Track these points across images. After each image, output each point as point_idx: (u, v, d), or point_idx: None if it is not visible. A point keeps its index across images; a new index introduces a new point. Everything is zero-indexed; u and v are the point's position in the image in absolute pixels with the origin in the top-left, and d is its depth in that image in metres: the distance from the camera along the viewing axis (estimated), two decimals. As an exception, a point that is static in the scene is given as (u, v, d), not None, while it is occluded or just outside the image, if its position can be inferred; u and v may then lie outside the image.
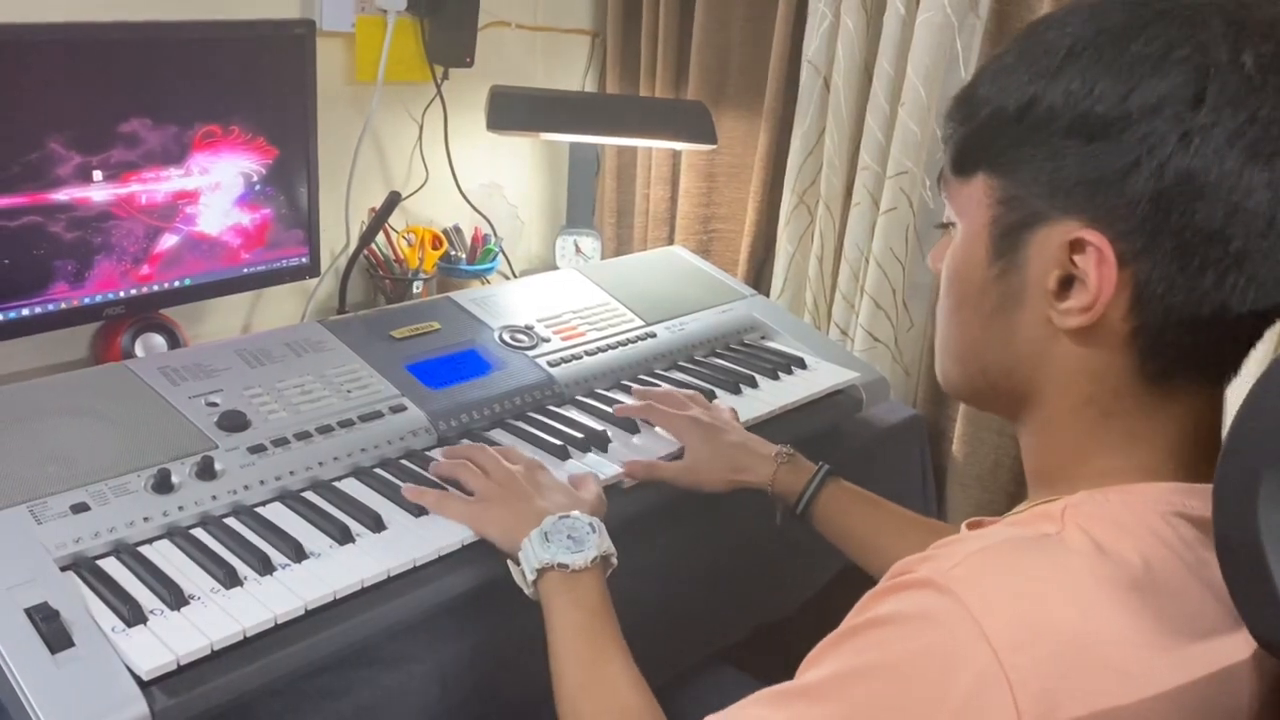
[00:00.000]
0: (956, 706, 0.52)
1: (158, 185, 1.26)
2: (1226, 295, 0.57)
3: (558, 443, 1.06)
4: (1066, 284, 0.60)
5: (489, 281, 1.64)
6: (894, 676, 0.55)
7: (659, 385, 1.22)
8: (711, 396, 1.20)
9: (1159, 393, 0.61)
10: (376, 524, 0.90)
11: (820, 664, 0.59)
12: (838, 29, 1.45)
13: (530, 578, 0.84)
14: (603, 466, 1.04)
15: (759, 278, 1.69)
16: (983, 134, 0.63)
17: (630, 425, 1.11)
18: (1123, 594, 0.55)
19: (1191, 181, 0.56)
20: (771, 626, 1.25)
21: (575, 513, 0.88)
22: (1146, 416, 0.62)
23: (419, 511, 0.93)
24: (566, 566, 0.83)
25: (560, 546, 0.84)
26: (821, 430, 1.27)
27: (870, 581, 0.62)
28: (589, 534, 0.86)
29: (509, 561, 0.88)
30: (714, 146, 1.55)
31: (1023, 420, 0.68)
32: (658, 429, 1.11)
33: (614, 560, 0.87)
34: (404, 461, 1.02)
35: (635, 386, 1.21)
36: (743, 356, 1.34)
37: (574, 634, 0.81)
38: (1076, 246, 0.59)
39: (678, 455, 1.08)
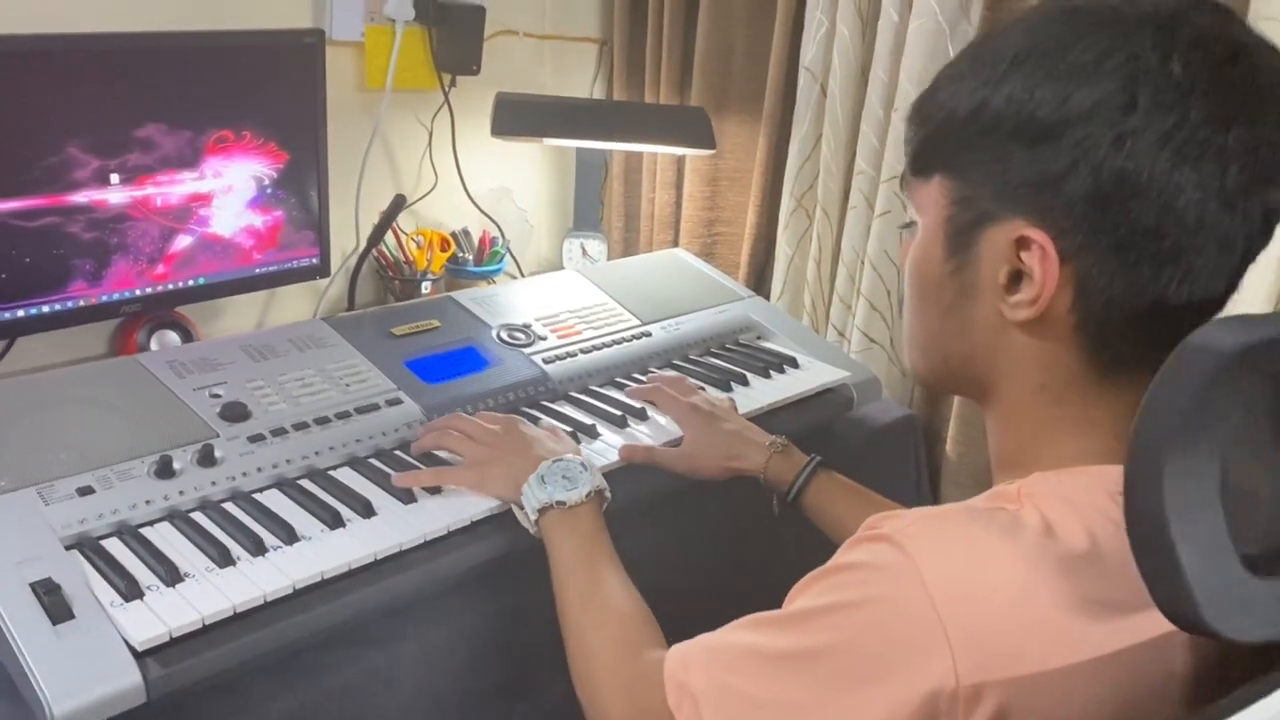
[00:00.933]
0: (899, 648, 0.58)
1: (172, 188, 1.32)
2: (1164, 289, 0.61)
3: (546, 435, 1.10)
4: (1016, 279, 0.64)
5: (495, 283, 1.68)
6: (845, 616, 0.61)
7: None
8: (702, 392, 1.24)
9: (1107, 381, 0.65)
10: (366, 510, 0.94)
11: (797, 599, 0.65)
12: (834, 36, 1.48)
13: (533, 518, 0.91)
14: (592, 458, 1.07)
15: (760, 280, 1.72)
16: (937, 137, 0.67)
17: (618, 419, 1.15)
18: (1063, 566, 0.59)
19: (1125, 182, 0.59)
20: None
21: (567, 455, 0.94)
22: (1096, 403, 0.66)
23: (408, 499, 0.97)
24: (564, 503, 0.90)
25: (556, 486, 0.91)
26: (812, 428, 1.29)
27: None
28: (581, 472, 0.92)
29: (513, 507, 0.94)
30: (713, 152, 1.59)
31: (986, 407, 0.72)
32: (654, 416, 1.16)
33: (608, 494, 0.93)
34: (397, 452, 1.06)
35: (649, 375, 1.25)
36: (736, 355, 1.37)
37: (571, 558, 0.88)
38: (1022, 244, 0.63)
39: (676, 443, 1.11)
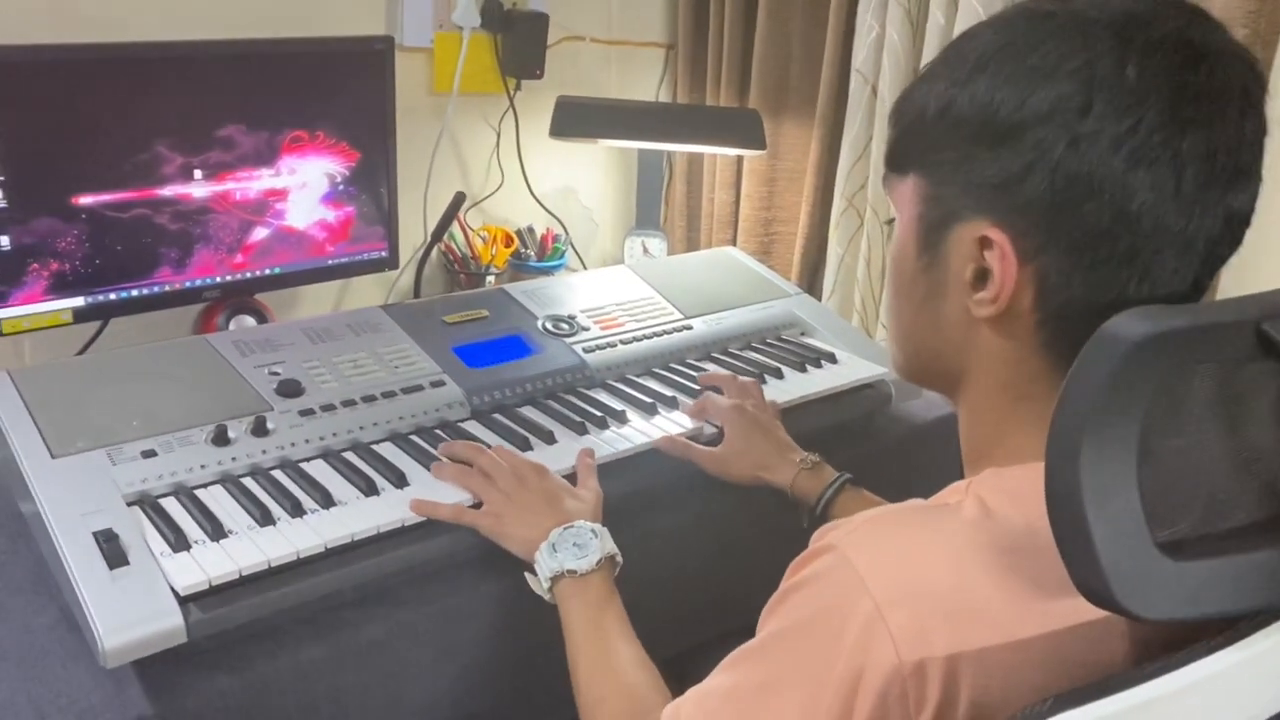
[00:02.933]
0: (848, 652, 0.60)
1: (251, 184, 1.42)
2: (1122, 288, 0.62)
3: (577, 419, 1.16)
4: (981, 277, 0.66)
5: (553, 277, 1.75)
6: (803, 634, 0.63)
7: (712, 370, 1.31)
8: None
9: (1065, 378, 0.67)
10: (400, 480, 1.02)
11: (760, 629, 0.67)
12: (883, 40, 1.51)
13: (546, 586, 0.93)
14: (617, 440, 1.13)
15: (813, 279, 1.75)
16: (910, 135, 0.69)
17: (648, 406, 1.20)
18: (1001, 555, 0.61)
19: (1080, 184, 0.61)
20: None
21: (578, 522, 0.96)
22: (1054, 399, 0.68)
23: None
24: (575, 572, 0.92)
25: (567, 554, 0.93)
26: (847, 422, 1.32)
27: None
28: (591, 539, 0.94)
29: (525, 573, 0.96)
30: (764, 152, 1.63)
31: (958, 402, 0.74)
32: (681, 413, 1.20)
33: (619, 559, 0.95)
34: (437, 430, 1.13)
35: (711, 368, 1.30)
36: (774, 350, 1.41)
37: (584, 628, 0.90)
38: (985, 243, 0.64)
39: (715, 440, 1.15)
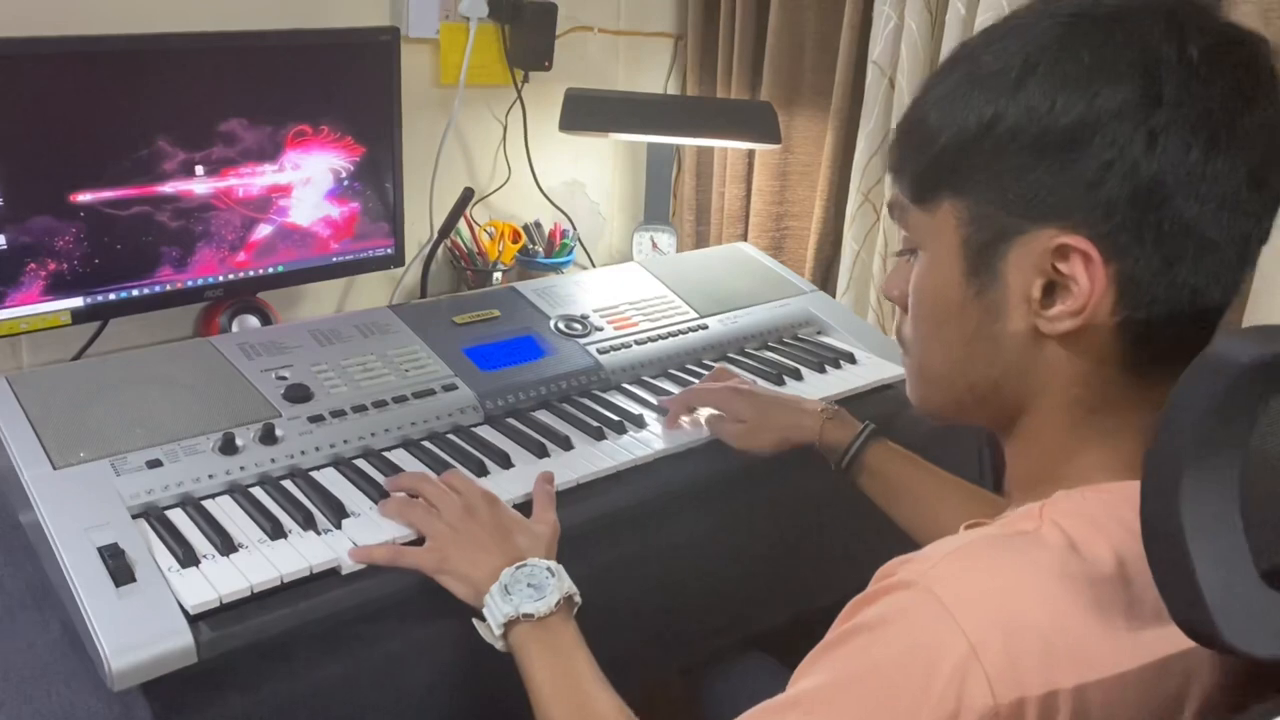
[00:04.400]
0: (939, 696, 0.56)
1: (254, 180, 1.38)
2: (1203, 281, 0.60)
3: (594, 424, 1.12)
4: (1049, 291, 0.62)
5: (564, 274, 1.71)
6: (880, 680, 0.58)
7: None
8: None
9: (1141, 385, 0.64)
10: (413, 490, 0.98)
11: (810, 673, 0.61)
12: (901, 30, 1.47)
13: (498, 631, 0.85)
14: (636, 446, 1.10)
15: (826, 275, 1.72)
16: (943, 159, 0.65)
17: (667, 411, 1.17)
18: (1091, 587, 0.58)
19: (1162, 178, 0.58)
20: (808, 615, 1.29)
21: (531, 560, 0.88)
22: (1129, 410, 0.65)
23: (453, 481, 1.00)
24: (532, 616, 0.84)
25: (522, 596, 0.85)
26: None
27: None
28: (548, 579, 0.86)
29: (474, 620, 0.88)
30: (779, 146, 1.59)
31: (1009, 429, 0.69)
32: (699, 414, 1.16)
33: (577, 599, 0.88)
34: (450, 436, 1.10)
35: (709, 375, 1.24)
36: (792, 350, 1.38)
37: (555, 681, 0.83)
38: (1060, 254, 0.61)
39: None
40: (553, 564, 0.89)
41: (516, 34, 1.63)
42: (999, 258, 0.63)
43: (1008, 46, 0.62)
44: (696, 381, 1.25)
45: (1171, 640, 0.58)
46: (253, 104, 1.35)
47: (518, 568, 0.87)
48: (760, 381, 1.26)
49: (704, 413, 1.16)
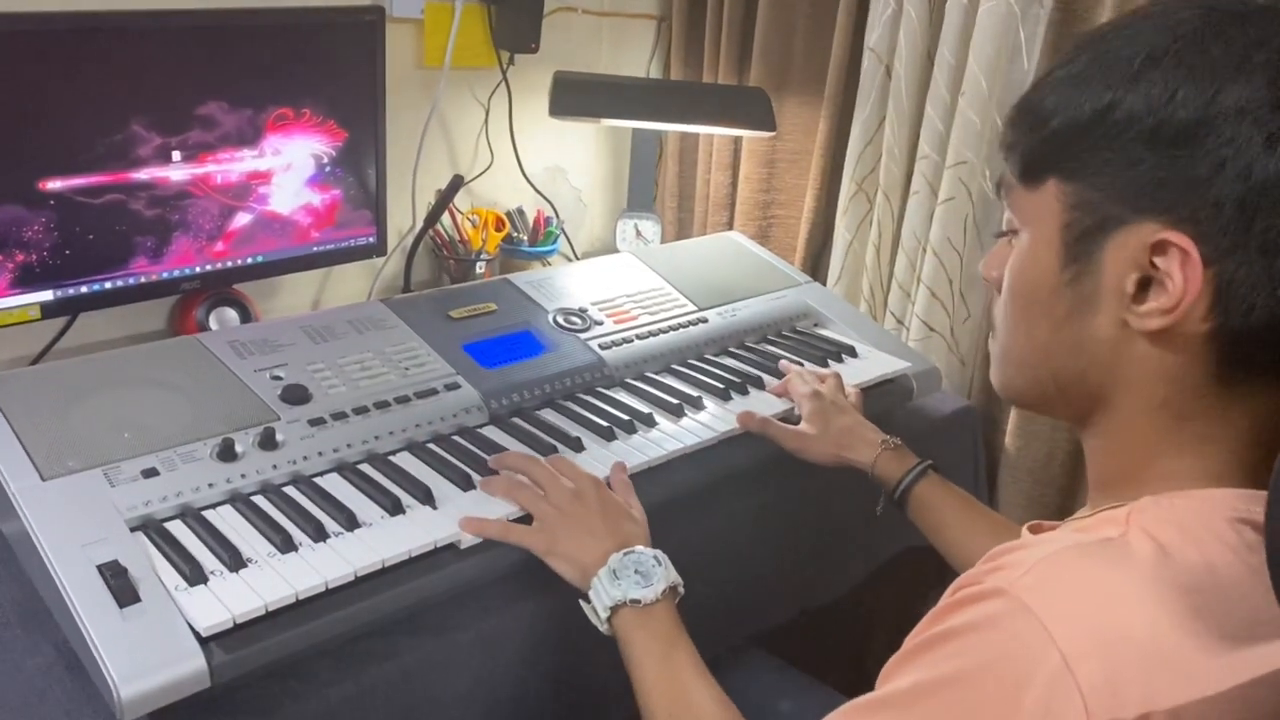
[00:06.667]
0: (1029, 711, 0.54)
1: (232, 166, 1.32)
2: None
3: (604, 424, 1.09)
4: (1144, 286, 0.61)
5: (550, 263, 1.67)
6: (969, 686, 0.56)
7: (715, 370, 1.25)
8: (759, 382, 1.22)
9: (1230, 395, 0.62)
10: (427, 497, 0.94)
11: (899, 675, 0.60)
12: (900, 17, 1.45)
13: (604, 615, 0.87)
14: (648, 447, 1.06)
15: (816, 265, 1.69)
16: (1054, 141, 0.64)
17: (675, 408, 1.14)
18: (1186, 598, 0.56)
19: (1275, 184, 0.56)
20: (811, 614, 1.27)
21: (638, 547, 0.90)
22: (1217, 418, 0.63)
23: (468, 486, 0.96)
24: (639, 602, 0.86)
25: (630, 582, 0.86)
26: (871, 418, 1.27)
27: (920, 575, 0.64)
28: (655, 567, 0.88)
29: (580, 600, 0.89)
30: (773, 134, 1.56)
31: (1090, 425, 0.68)
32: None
33: (680, 589, 0.89)
34: (456, 438, 1.06)
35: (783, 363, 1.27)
36: (794, 343, 1.35)
37: (657, 667, 0.84)
38: (1159, 249, 0.59)
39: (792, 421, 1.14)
40: (659, 553, 0.89)
41: (503, 15, 1.58)
42: (1098, 246, 0.62)
43: (1138, 33, 0.60)
44: (700, 377, 1.22)
45: (1268, 658, 0.56)
46: (232, 86, 1.28)
47: (625, 554, 0.88)
48: (769, 380, 1.23)
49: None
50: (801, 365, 1.26)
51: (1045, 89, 0.64)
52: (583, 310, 1.29)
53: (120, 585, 0.78)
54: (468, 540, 0.90)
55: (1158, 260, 0.59)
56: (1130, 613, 0.55)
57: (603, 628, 0.87)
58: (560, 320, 1.26)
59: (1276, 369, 0.61)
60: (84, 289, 1.24)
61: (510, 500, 0.94)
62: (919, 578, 1.35)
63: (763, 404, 1.18)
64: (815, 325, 1.42)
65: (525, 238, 1.67)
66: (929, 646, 0.59)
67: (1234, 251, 0.58)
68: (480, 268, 1.60)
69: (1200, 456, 0.63)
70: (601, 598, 0.87)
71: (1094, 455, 0.69)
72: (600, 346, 1.23)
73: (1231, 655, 0.56)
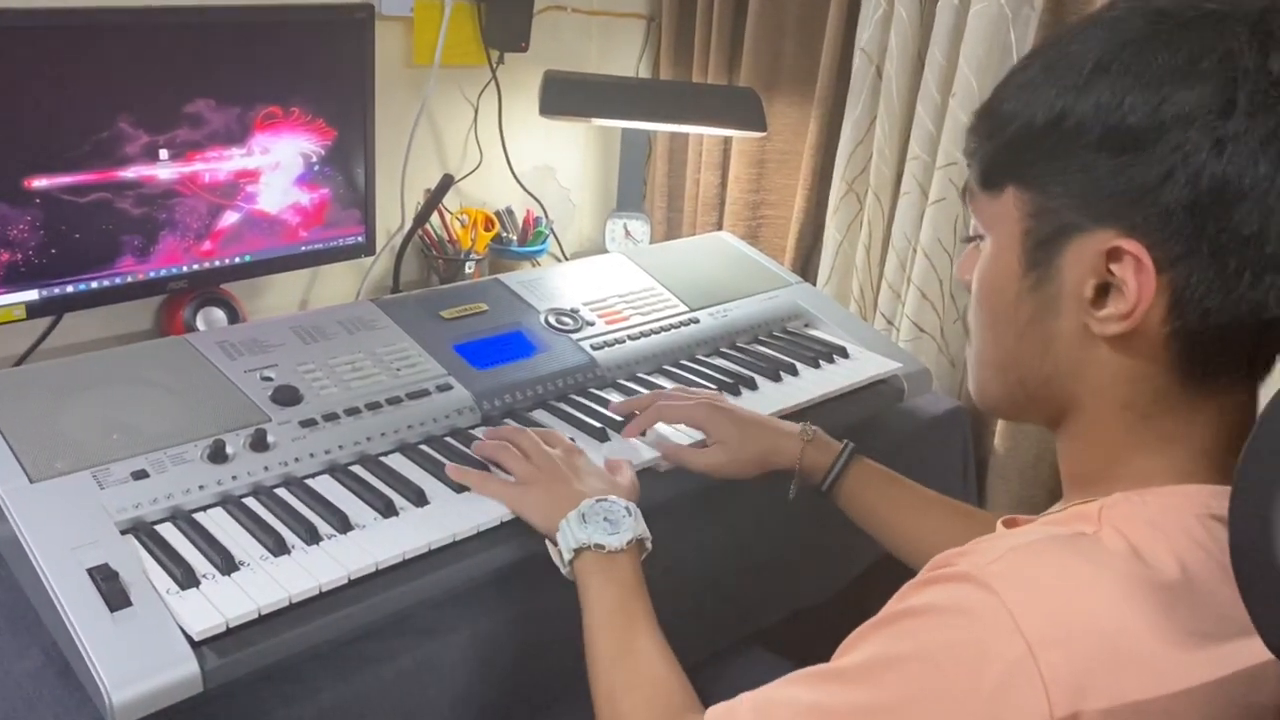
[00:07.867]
0: (988, 697, 0.55)
1: (220, 164, 1.31)
2: (1263, 296, 0.58)
3: (597, 425, 1.08)
4: (1103, 292, 0.61)
5: (539, 263, 1.66)
6: (926, 666, 0.57)
7: (663, 389, 1.17)
8: (752, 383, 1.22)
9: (1195, 394, 0.63)
10: (419, 498, 0.93)
11: (856, 649, 0.61)
12: (891, 17, 1.45)
13: (567, 557, 0.87)
14: (640, 450, 1.06)
15: (806, 265, 1.69)
16: (1011, 148, 0.64)
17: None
18: (1156, 594, 0.56)
19: (1226, 188, 0.57)
20: (808, 611, 1.27)
21: (612, 496, 0.90)
22: (1183, 418, 0.64)
23: (460, 488, 0.96)
24: (603, 547, 0.85)
25: (597, 528, 0.86)
26: (862, 420, 1.28)
27: (916, 571, 0.64)
28: (624, 517, 0.88)
29: (547, 542, 0.90)
30: (764, 134, 1.56)
31: (1062, 427, 0.69)
32: (664, 431, 1.08)
33: (649, 544, 0.89)
34: (448, 439, 1.05)
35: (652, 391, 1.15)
36: (785, 344, 1.35)
37: (608, 611, 0.83)
38: (1113, 255, 0.60)
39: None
40: (631, 505, 0.89)
41: (493, 13, 1.57)
42: (1057, 253, 0.63)
43: (1089, 40, 0.61)
44: (691, 378, 1.22)
45: (1237, 656, 0.57)
46: (220, 84, 1.27)
47: (598, 501, 0.89)
48: (762, 381, 1.23)
49: (665, 430, 1.08)
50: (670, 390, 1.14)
51: (1003, 95, 0.65)
52: (574, 311, 1.29)
53: (111, 589, 0.77)
54: (439, 543, 0.89)
55: (1113, 267, 0.60)
56: (1099, 606, 0.56)
57: (564, 569, 0.87)
58: (552, 321, 1.26)
59: (1238, 368, 0.62)
60: (69, 289, 1.23)
61: (493, 460, 0.97)
62: (915, 574, 1.35)
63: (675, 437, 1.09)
64: (806, 326, 1.42)
65: (514, 237, 1.67)
66: (888, 622, 0.60)
67: (1187, 257, 0.58)
68: (469, 268, 1.60)
69: (1169, 455, 0.64)
70: (567, 539, 0.87)
71: (1066, 455, 0.70)
72: (592, 347, 1.23)
73: (1200, 652, 0.56)
